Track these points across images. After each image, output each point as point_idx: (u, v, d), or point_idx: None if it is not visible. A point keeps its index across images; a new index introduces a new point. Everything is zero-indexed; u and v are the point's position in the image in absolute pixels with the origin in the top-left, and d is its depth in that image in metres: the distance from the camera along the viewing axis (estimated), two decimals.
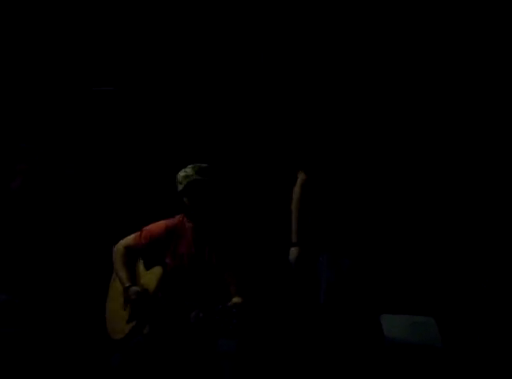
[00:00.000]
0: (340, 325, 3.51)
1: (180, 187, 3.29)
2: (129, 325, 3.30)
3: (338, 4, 4.30)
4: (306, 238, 3.58)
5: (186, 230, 3.40)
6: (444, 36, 4.21)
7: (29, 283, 4.07)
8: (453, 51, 4.22)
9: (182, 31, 4.52)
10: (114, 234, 3.61)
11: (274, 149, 4.36)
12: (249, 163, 4.37)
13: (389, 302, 3.81)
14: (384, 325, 3.69)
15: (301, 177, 3.62)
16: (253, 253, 3.47)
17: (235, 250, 3.33)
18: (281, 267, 3.87)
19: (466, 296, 3.99)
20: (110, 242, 3.53)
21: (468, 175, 4.16)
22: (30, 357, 3.76)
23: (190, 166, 3.33)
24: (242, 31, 4.45)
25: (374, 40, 4.23)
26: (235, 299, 3.22)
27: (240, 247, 3.36)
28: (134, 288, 3.31)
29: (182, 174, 3.31)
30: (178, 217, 3.45)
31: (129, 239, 3.46)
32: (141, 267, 3.45)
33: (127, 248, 3.45)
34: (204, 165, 3.35)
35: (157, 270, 3.34)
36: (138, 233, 3.44)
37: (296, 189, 3.62)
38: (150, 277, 3.36)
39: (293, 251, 3.60)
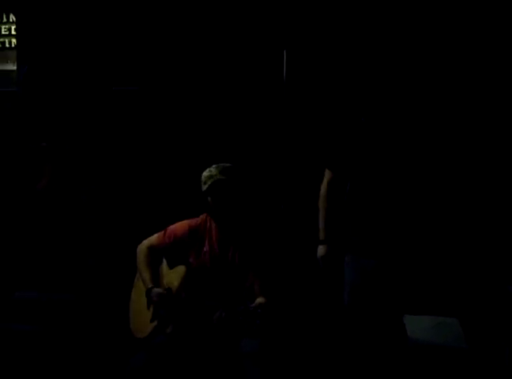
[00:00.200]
0: (363, 326, 3.49)
1: (204, 187, 3.28)
2: (152, 324, 3.31)
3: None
4: (333, 236, 3.57)
5: (210, 229, 3.39)
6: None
7: (56, 281, 4.10)
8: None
9: (203, 30, 4.51)
10: (137, 234, 3.61)
11: (301, 148, 4.34)
12: (275, 161, 4.35)
13: (413, 303, 3.79)
14: (408, 326, 3.67)
15: (327, 175, 3.60)
16: (277, 252, 3.46)
17: (258, 250, 3.32)
18: (306, 266, 3.85)
19: (491, 297, 3.97)
20: (133, 242, 3.53)
21: (497, 179, 4.13)
22: (52, 355, 3.78)
23: (214, 166, 3.33)
24: (263, 29, 4.43)
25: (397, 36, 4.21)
26: (259, 299, 3.21)
27: (264, 247, 3.35)
28: (157, 290, 3.31)
29: (206, 173, 3.31)
30: (201, 217, 3.44)
31: (153, 239, 3.46)
32: (164, 266, 3.45)
33: (150, 248, 3.45)
34: (228, 165, 3.34)
35: (181, 269, 3.34)
36: (162, 232, 3.45)
37: (323, 188, 3.60)
38: (173, 276, 3.35)
39: (321, 249, 3.58)
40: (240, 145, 4.39)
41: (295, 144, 4.32)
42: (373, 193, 3.46)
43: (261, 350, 3.15)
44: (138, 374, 3.13)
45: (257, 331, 3.02)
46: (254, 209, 3.54)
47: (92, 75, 4.63)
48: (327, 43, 4.34)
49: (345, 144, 3.54)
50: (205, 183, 3.29)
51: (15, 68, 4.86)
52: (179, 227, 3.43)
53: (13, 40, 5.05)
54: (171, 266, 3.41)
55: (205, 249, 3.37)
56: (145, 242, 3.48)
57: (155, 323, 3.30)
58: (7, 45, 5.11)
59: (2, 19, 5.10)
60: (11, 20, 5.08)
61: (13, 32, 5.06)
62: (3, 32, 5.14)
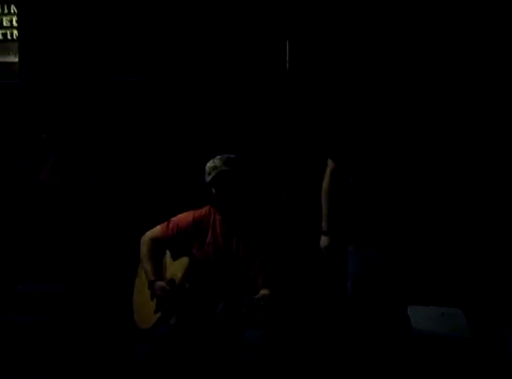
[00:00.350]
0: (367, 317, 3.49)
1: (208, 178, 3.28)
2: (156, 316, 3.30)
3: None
4: (336, 227, 3.56)
5: (214, 221, 3.39)
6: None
7: (58, 273, 4.11)
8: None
9: (205, 21, 4.50)
10: (141, 225, 3.61)
11: (303, 138, 4.33)
12: (278, 152, 4.34)
13: (417, 294, 3.79)
14: (412, 317, 3.67)
15: (330, 165, 3.59)
16: (280, 244, 3.45)
17: (262, 242, 3.32)
18: (310, 257, 3.85)
19: (495, 287, 3.96)
20: (137, 233, 3.52)
21: (500, 168, 4.12)
22: (54, 346, 3.79)
23: (218, 156, 3.32)
24: (265, 19, 4.41)
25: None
26: (263, 291, 3.21)
27: (267, 238, 3.35)
28: (159, 283, 3.31)
29: (210, 164, 3.30)
30: (205, 208, 3.43)
31: (156, 230, 3.46)
32: (168, 257, 3.45)
33: (154, 240, 3.44)
34: (232, 156, 3.33)
35: (184, 260, 3.33)
36: (165, 224, 3.44)
37: (326, 178, 3.59)
38: (177, 267, 3.35)
39: (324, 240, 3.58)
40: (243, 136, 4.38)
41: (298, 135, 4.31)
42: (376, 184, 3.45)
43: (265, 340, 3.15)
44: (142, 365, 3.14)
45: (260, 322, 3.01)
46: (257, 200, 3.53)
47: (93, 66, 4.62)
48: (330, 33, 4.33)
49: (348, 135, 3.53)
50: (209, 174, 3.28)
51: (17, 60, 4.85)
52: (183, 218, 3.43)
53: (15, 32, 5.03)
54: (175, 257, 3.40)
55: (208, 241, 3.36)
56: (148, 234, 3.47)
57: (158, 314, 3.30)
58: (9, 37, 5.09)
59: (4, 10, 5.08)
60: (12, 11, 5.06)
61: (15, 24, 5.04)
62: (5, 24, 5.12)
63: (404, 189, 3.44)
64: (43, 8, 4.66)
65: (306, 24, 4.36)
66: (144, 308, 3.39)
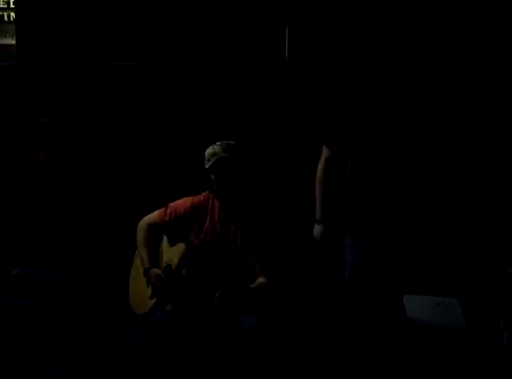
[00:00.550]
0: (363, 306, 3.50)
1: (207, 164, 3.26)
2: (152, 301, 3.31)
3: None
4: (330, 216, 3.55)
5: (212, 207, 3.38)
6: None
7: (53, 257, 4.10)
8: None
9: (205, 7, 4.47)
10: (139, 209, 3.60)
11: (301, 126, 4.31)
12: (275, 140, 4.33)
13: (413, 283, 3.80)
14: (407, 306, 3.68)
15: (325, 153, 3.57)
16: (277, 232, 3.44)
17: (260, 230, 3.31)
18: (306, 245, 3.84)
19: (490, 278, 3.97)
20: (135, 218, 3.51)
21: (499, 158, 4.13)
22: (51, 330, 3.78)
23: (218, 143, 3.30)
24: (264, 6, 4.39)
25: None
26: (260, 280, 3.21)
27: (265, 227, 3.34)
28: (155, 271, 3.31)
29: (209, 151, 3.29)
30: (203, 194, 3.43)
31: (154, 216, 3.45)
32: (165, 243, 3.44)
33: (151, 225, 3.43)
34: (232, 142, 3.32)
35: (181, 246, 3.33)
36: (163, 209, 3.43)
37: (320, 166, 3.57)
38: (174, 253, 3.35)
39: (317, 229, 3.56)
40: (241, 123, 4.37)
41: (296, 123, 4.29)
42: (374, 174, 3.44)
43: (260, 328, 3.15)
44: (137, 351, 3.14)
45: (256, 311, 3.01)
46: (255, 188, 3.52)
47: (92, 49, 4.58)
48: (330, 20, 4.31)
49: (344, 122, 3.51)
50: (208, 160, 3.26)
51: (14, 42, 4.81)
52: (181, 204, 3.42)
53: (12, 14, 4.98)
54: (172, 243, 3.39)
55: (206, 227, 3.35)
56: (146, 219, 3.46)
57: (154, 299, 3.30)
58: (6, 19, 5.03)
59: None
60: None
61: (12, 6, 5.00)
62: (1, 6, 5.06)
63: (402, 179, 3.44)
64: None
65: (305, 11, 4.33)
66: (140, 294, 3.39)
